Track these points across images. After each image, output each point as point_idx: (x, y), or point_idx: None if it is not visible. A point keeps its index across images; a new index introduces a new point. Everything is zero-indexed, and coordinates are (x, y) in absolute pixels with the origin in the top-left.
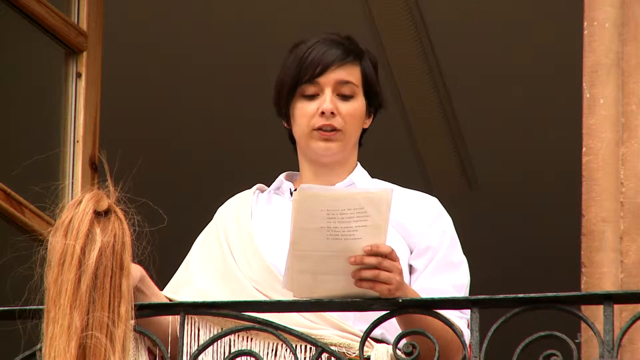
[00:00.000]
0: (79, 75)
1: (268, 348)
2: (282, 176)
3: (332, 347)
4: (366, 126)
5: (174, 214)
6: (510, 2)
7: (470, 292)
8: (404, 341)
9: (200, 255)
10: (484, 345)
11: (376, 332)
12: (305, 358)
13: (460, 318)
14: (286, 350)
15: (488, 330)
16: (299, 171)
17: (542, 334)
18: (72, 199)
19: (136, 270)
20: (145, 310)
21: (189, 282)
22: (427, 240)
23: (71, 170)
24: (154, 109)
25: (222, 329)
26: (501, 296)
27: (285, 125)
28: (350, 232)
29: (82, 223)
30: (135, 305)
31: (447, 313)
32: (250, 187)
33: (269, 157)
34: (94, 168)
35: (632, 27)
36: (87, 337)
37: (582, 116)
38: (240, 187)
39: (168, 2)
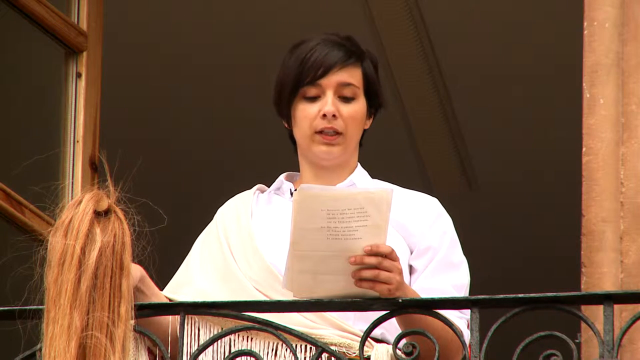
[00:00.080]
0: (79, 75)
1: (268, 348)
2: (282, 176)
3: (332, 347)
4: (367, 127)
5: (174, 214)
6: (510, 2)
7: (470, 292)
8: (404, 341)
9: (201, 256)
10: (484, 345)
11: (376, 332)
12: (305, 358)
13: (460, 318)
14: (286, 350)
15: (488, 330)
16: (299, 171)
17: (542, 334)
18: (72, 199)
19: (136, 270)
20: (145, 310)
21: (189, 282)
22: (427, 240)
23: (71, 170)
24: (154, 109)
25: (222, 329)
26: (501, 296)
27: (286, 125)
28: (350, 232)
29: (82, 223)
30: (135, 305)
31: (447, 313)
32: (250, 187)
33: (269, 157)
34: (94, 168)
35: (632, 27)
36: (87, 337)
37: (582, 116)
38: (240, 187)
39: (168, 2)
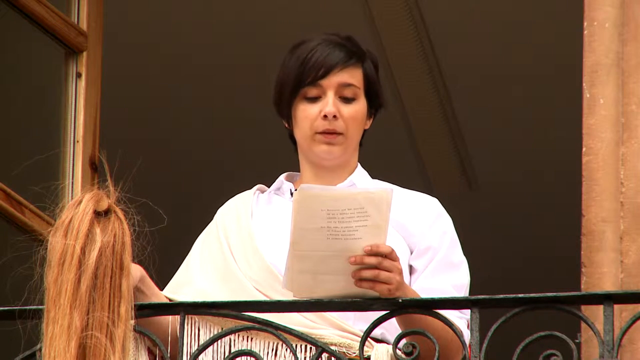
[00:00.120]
0: (79, 75)
1: (268, 348)
2: (282, 177)
3: (332, 347)
4: (367, 127)
5: (174, 214)
6: (510, 2)
7: (470, 292)
8: (404, 341)
9: (201, 256)
10: (484, 345)
11: (376, 332)
12: (305, 358)
13: (460, 318)
14: (286, 350)
15: (488, 330)
16: (299, 172)
17: (542, 334)
18: (72, 199)
19: (136, 270)
20: (145, 310)
21: (189, 282)
22: (427, 240)
23: (71, 170)
24: (154, 109)
25: (222, 329)
26: (501, 296)
27: (286, 125)
28: (350, 232)
29: (82, 223)
30: (135, 305)
31: (447, 313)
32: (250, 187)
33: (269, 157)
34: (94, 168)
35: (632, 27)
36: (87, 337)
37: (582, 116)
38: (240, 187)
39: (168, 2)
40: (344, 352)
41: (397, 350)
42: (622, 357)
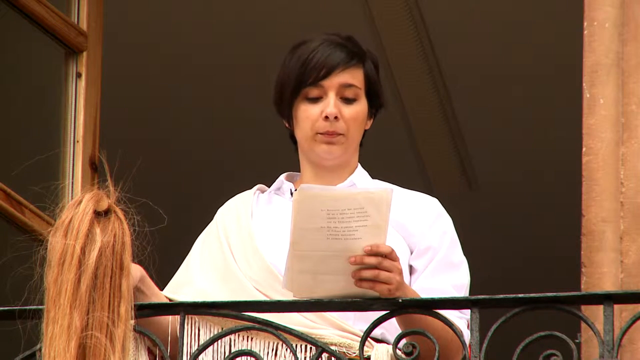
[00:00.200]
0: (79, 75)
1: (268, 348)
2: (282, 176)
3: (332, 347)
4: (367, 127)
5: (174, 214)
6: (510, 2)
7: (470, 292)
8: (404, 341)
9: (201, 256)
10: (484, 345)
11: (376, 332)
12: (305, 358)
13: (460, 318)
14: (286, 350)
15: (488, 330)
16: (299, 171)
17: (542, 334)
18: (72, 199)
19: (136, 270)
20: (145, 310)
21: (189, 282)
22: (427, 240)
23: (71, 170)
24: (154, 109)
25: (222, 329)
26: (501, 296)
27: (287, 125)
28: (350, 232)
29: (82, 223)
30: (135, 305)
31: (447, 313)
32: (250, 187)
33: (269, 157)
34: (94, 168)
35: (632, 27)
36: (87, 337)
37: (582, 116)
38: (240, 187)
39: (168, 2)
40: (344, 352)
41: (397, 350)
42: (622, 357)
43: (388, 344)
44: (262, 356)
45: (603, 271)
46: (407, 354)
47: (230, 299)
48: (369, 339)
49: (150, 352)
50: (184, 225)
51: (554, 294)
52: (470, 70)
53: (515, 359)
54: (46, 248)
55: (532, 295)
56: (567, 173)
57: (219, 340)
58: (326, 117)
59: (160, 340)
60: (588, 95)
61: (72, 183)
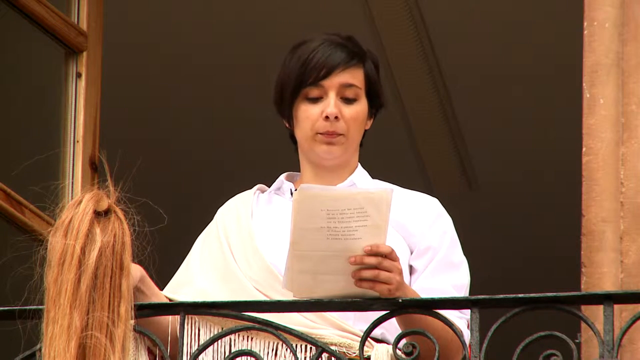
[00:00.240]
0: (79, 75)
1: (268, 348)
2: (282, 176)
3: (332, 347)
4: (367, 127)
5: (174, 214)
6: (510, 2)
7: (470, 292)
8: (404, 341)
9: (201, 255)
10: (484, 345)
11: (376, 332)
12: (305, 358)
13: (460, 318)
14: (286, 350)
15: (488, 330)
16: (299, 171)
17: (542, 334)
18: (72, 199)
19: (136, 270)
20: (145, 310)
21: (189, 282)
22: (427, 240)
23: (71, 170)
24: (154, 109)
25: (222, 329)
26: (501, 296)
27: (287, 125)
28: (350, 232)
29: (82, 223)
30: (135, 305)
31: (447, 313)
32: (250, 187)
33: (269, 157)
34: (94, 168)
35: (632, 27)
36: (87, 337)
37: (582, 116)
38: (240, 187)
39: (168, 2)
40: (344, 352)
41: (397, 350)
42: (622, 357)
43: (388, 344)
44: (262, 356)
45: (603, 271)
46: (407, 354)
47: (230, 299)
48: (369, 339)
49: (150, 352)
50: (184, 225)
51: (554, 294)
52: (470, 70)
53: (515, 359)
54: (46, 248)
55: (532, 295)
56: (567, 173)
57: (219, 340)
58: (326, 117)
59: (160, 340)
60: (588, 95)
61: (72, 183)
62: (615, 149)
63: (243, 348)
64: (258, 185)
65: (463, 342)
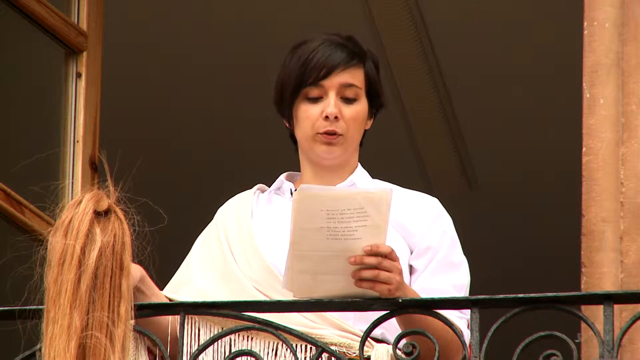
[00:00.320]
0: (79, 75)
1: (268, 348)
2: (282, 176)
3: (332, 347)
4: (367, 127)
5: (174, 214)
6: (510, 2)
7: (470, 292)
8: (404, 341)
9: (201, 255)
10: (484, 345)
11: (376, 332)
12: (305, 358)
13: (460, 318)
14: (286, 350)
15: (488, 330)
16: (299, 171)
17: (542, 334)
18: (72, 199)
19: (136, 270)
20: (145, 310)
21: (189, 282)
22: (427, 240)
23: (71, 170)
24: (154, 109)
25: (222, 328)
26: (501, 296)
27: (287, 125)
28: (350, 232)
29: (82, 223)
30: (135, 305)
31: (447, 313)
32: (250, 187)
33: (269, 157)
34: (94, 168)
35: (632, 27)
36: (87, 337)
37: (582, 116)
38: (240, 187)
39: (168, 2)
40: (344, 352)
41: (397, 350)
42: (622, 357)
43: (388, 344)
44: (262, 356)
45: (603, 271)
46: (407, 354)
47: (230, 299)
48: (369, 339)
49: (150, 352)
50: (184, 225)
51: (554, 294)
52: (470, 70)
53: (515, 359)
54: (46, 248)
55: (532, 295)
56: (567, 173)
57: (219, 340)
58: (326, 117)
59: (160, 340)
60: (588, 95)
61: (72, 183)
62: (615, 149)
63: (243, 348)
64: (258, 185)
65: (463, 342)
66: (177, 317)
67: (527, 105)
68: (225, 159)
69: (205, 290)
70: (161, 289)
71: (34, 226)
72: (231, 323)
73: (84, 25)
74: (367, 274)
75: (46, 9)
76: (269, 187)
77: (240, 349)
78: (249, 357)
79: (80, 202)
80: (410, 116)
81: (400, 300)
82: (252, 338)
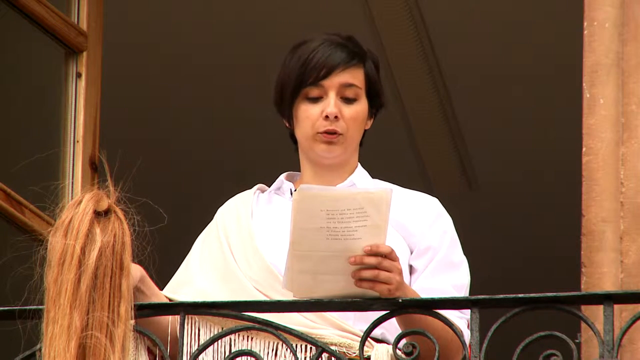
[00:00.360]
0: (79, 75)
1: (268, 348)
2: (282, 176)
3: (332, 347)
4: (367, 127)
5: (174, 214)
6: (510, 2)
7: (470, 292)
8: (404, 341)
9: (201, 255)
10: (484, 345)
11: (376, 332)
12: (305, 358)
13: (460, 318)
14: (286, 350)
15: (488, 330)
16: (299, 171)
17: (542, 334)
18: (72, 199)
19: (136, 270)
20: (145, 310)
21: (189, 282)
22: (427, 240)
23: (71, 170)
24: (154, 109)
25: (222, 328)
26: (501, 296)
27: (287, 125)
28: (350, 232)
29: (82, 223)
30: (135, 305)
31: (447, 313)
32: (250, 187)
33: (269, 157)
34: (94, 168)
35: (632, 27)
36: (87, 337)
37: (582, 116)
38: (240, 187)
39: (168, 2)
40: (344, 352)
41: (397, 350)
42: (622, 357)
43: (388, 344)
44: (262, 356)
45: (603, 271)
46: (407, 354)
47: (230, 299)
48: (369, 339)
49: (150, 352)
50: (184, 225)
51: (554, 294)
52: (470, 70)
53: (515, 359)
54: (46, 248)
55: (532, 295)
56: (567, 173)
57: (219, 340)
58: (326, 117)
59: (160, 340)
60: (588, 95)
61: (72, 183)
62: (615, 149)
63: (243, 348)
64: (258, 185)
65: (463, 342)
66: (177, 317)
67: (527, 105)
68: (225, 159)
69: (205, 290)
70: (161, 289)
71: (34, 226)
72: (231, 323)
73: (84, 25)
74: (367, 274)
75: (46, 9)
76: (269, 187)
77: (240, 349)
78: (249, 357)
79: (80, 202)
80: (410, 116)
81: (400, 300)
82: (252, 338)
